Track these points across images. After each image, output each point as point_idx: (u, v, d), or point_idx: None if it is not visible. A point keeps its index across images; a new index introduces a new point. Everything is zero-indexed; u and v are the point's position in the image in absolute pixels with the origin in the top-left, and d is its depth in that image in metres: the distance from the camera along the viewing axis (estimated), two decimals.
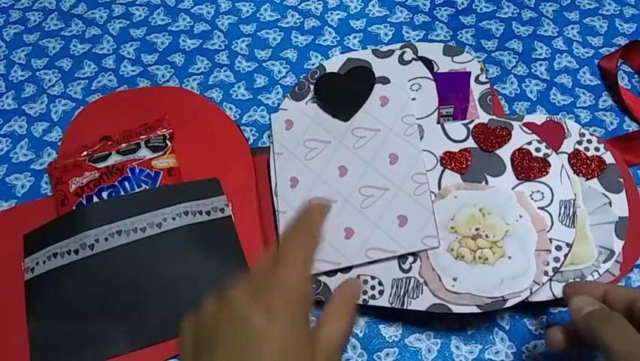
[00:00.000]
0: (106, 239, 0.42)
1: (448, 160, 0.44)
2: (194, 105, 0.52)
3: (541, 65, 0.54)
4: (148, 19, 0.59)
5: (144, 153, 0.47)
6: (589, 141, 0.45)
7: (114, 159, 0.47)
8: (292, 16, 0.59)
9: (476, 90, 0.48)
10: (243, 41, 0.57)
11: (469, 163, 0.44)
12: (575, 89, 0.53)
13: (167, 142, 0.48)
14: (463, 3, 0.59)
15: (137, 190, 0.45)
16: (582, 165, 0.44)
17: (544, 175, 0.42)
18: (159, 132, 0.49)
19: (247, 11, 0.59)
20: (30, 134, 0.52)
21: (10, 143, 0.51)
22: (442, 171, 0.44)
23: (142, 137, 0.48)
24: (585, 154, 0.45)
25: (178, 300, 0.42)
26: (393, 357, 0.42)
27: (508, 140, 0.44)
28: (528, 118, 0.46)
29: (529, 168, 0.43)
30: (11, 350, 0.42)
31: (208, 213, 0.45)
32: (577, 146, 0.45)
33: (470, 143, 0.45)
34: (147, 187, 0.45)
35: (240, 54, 0.56)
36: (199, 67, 0.55)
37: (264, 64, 0.55)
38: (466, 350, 0.42)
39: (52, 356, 0.41)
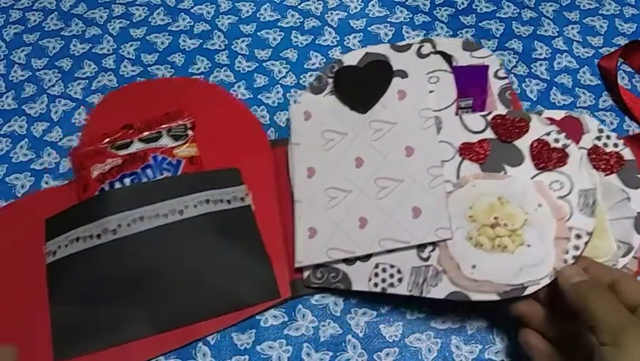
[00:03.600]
0: (128, 225, 0.43)
1: (467, 150, 0.44)
2: (214, 97, 0.52)
3: (541, 65, 0.54)
4: (148, 19, 0.59)
5: (166, 141, 0.47)
6: (607, 137, 0.45)
7: (136, 146, 0.47)
8: (292, 16, 0.59)
9: (495, 85, 0.48)
10: (243, 41, 0.57)
11: (487, 153, 0.44)
12: (575, 89, 0.53)
13: (189, 131, 0.49)
14: (463, 3, 0.59)
15: (159, 177, 0.45)
16: (601, 160, 0.44)
17: (563, 165, 0.42)
18: (180, 122, 0.49)
19: (247, 11, 0.59)
20: (30, 134, 0.52)
21: (10, 143, 0.51)
22: (461, 162, 0.44)
23: (163, 126, 0.49)
24: (604, 150, 0.45)
25: (198, 286, 0.43)
26: (393, 357, 0.42)
27: (527, 130, 0.44)
28: (547, 113, 0.46)
29: (547, 158, 0.43)
30: (34, 332, 0.42)
31: (229, 201, 0.46)
32: (596, 142, 0.45)
33: (489, 134, 0.45)
34: (169, 175, 0.46)
35: (240, 54, 0.56)
36: (199, 67, 0.55)
37: (264, 64, 0.55)
38: (466, 349, 0.42)
39: (74, 339, 0.42)
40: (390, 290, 0.41)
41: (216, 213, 0.44)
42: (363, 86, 0.48)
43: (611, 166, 0.44)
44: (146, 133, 0.48)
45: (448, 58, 0.49)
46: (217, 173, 0.47)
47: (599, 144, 0.45)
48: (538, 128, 0.44)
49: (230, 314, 0.43)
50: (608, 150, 0.45)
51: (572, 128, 0.46)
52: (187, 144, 0.48)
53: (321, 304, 0.44)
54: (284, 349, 0.42)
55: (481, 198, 0.42)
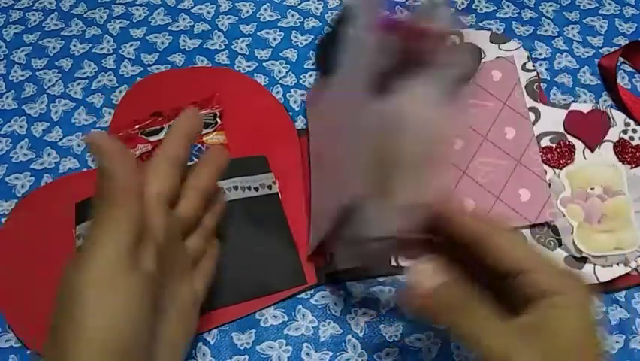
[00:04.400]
0: None
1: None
2: (242, 86, 0.53)
3: (541, 65, 0.54)
4: (148, 19, 0.59)
5: None
6: (634, 131, 0.46)
7: (166, 133, 0.48)
8: (292, 16, 0.59)
9: (523, 77, 0.49)
10: (243, 41, 0.57)
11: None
12: (576, 89, 0.53)
13: (218, 119, 0.49)
14: (463, 3, 0.59)
15: (189, 163, 0.46)
16: (627, 153, 0.45)
17: None
18: (209, 110, 0.50)
19: (247, 11, 0.59)
20: (30, 134, 0.52)
21: (10, 143, 0.51)
22: None
23: None
24: (630, 143, 0.45)
25: (225, 271, 0.42)
26: (393, 357, 0.42)
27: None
28: (574, 106, 0.47)
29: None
30: None
31: (256, 188, 0.46)
32: (622, 135, 0.46)
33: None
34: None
35: (240, 54, 0.56)
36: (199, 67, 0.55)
37: (264, 64, 0.55)
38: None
39: None
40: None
41: (244, 200, 0.45)
42: None
43: (637, 159, 0.45)
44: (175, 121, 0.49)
45: (477, 50, 0.50)
46: (245, 160, 0.47)
47: (625, 137, 0.46)
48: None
49: (257, 300, 0.43)
50: (634, 143, 0.45)
51: (599, 122, 0.47)
52: (216, 132, 0.49)
53: (320, 304, 0.44)
54: (284, 349, 0.42)
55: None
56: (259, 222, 0.45)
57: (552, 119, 0.47)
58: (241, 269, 0.44)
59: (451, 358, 0.41)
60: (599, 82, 0.53)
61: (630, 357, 0.41)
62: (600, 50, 0.55)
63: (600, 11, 0.58)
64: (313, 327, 0.43)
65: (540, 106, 0.47)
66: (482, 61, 0.49)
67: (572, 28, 0.57)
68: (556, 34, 0.57)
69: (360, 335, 0.43)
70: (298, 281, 0.44)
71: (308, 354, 0.42)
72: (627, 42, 0.54)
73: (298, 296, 0.44)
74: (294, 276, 0.44)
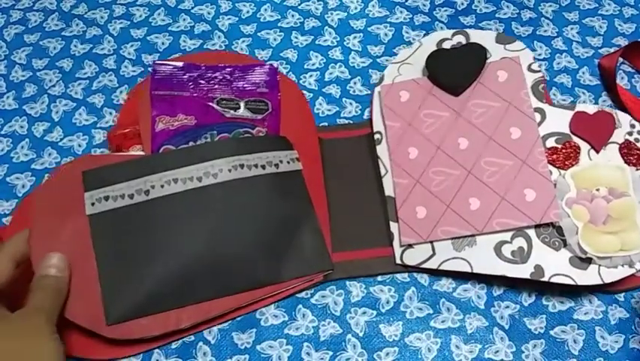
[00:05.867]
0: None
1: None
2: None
3: (540, 65, 0.55)
4: (148, 19, 0.59)
5: None
6: (639, 132, 0.46)
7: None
8: (292, 16, 0.59)
9: (529, 78, 0.48)
10: (244, 41, 0.57)
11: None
12: (575, 89, 0.53)
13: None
14: (462, 3, 0.59)
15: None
16: (632, 155, 0.45)
17: None
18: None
19: (247, 12, 0.59)
20: (31, 135, 0.52)
21: (10, 143, 0.51)
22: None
23: None
24: (635, 144, 0.45)
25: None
26: (393, 356, 0.42)
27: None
28: (580, 107, 0.47)
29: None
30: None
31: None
32: (627, 136, 0.46)
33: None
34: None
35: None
36: None
37: None
38: (466, 349, 0.42)
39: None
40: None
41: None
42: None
43: None
44: None
45: (483, 50, 0.49)
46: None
47: (631, 138, 0.46)
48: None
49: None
50: (639, 144, 0.45)
51: (605, 123, 0.46)
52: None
53: (320, 303, 0.44)
54: (284, 348, 0.42)
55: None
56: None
57: (558, 119, 0.47)
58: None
59: (450, 357, 0.42)
60: (599, 82, 0.54)
61: (629, 357, 0.41)
62: (600, 51, 0.55)
63: (599, 12, 0.58)
64: (313, 326, 0.43)
65: (546, 107, 0.47)
66: (488, 61, 0.49)
67: (572, 29, 0.57)
68: (556, 34, 0.57)
69: (360, 334, 0.43)
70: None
71: (308, 353, 0.42)
72: (627, 42, 0.54)
73: (298, 296, 0.44)
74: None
